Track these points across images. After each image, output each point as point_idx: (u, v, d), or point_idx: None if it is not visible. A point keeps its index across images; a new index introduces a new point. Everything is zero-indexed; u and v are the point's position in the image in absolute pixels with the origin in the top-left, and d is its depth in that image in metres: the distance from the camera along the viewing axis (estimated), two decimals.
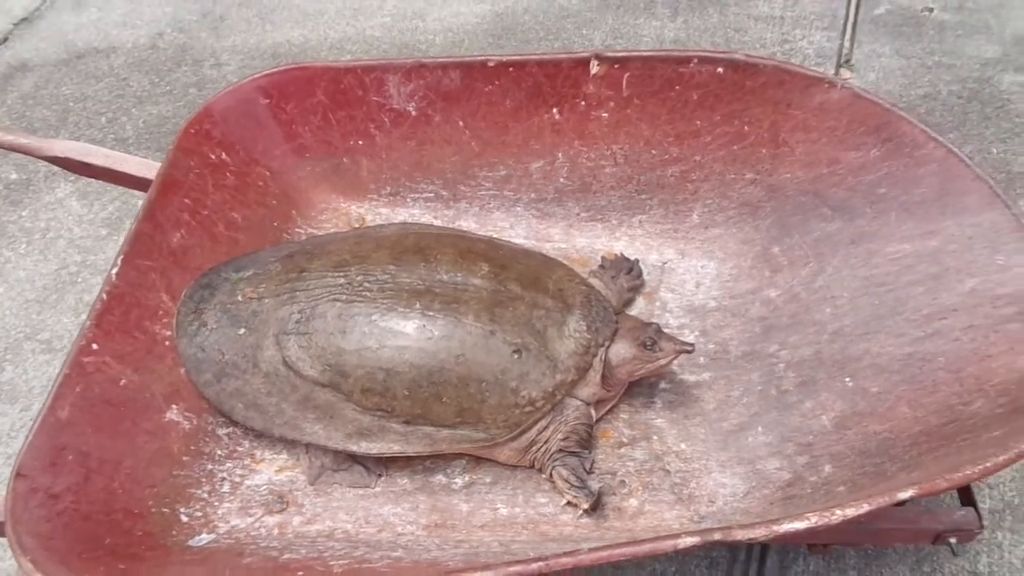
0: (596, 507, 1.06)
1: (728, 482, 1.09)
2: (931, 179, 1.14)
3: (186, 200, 1.23)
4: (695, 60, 1.25)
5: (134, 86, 2.53)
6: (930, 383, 1.02)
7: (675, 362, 1.21)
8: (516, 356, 1.06)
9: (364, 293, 1.09)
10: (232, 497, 1.08)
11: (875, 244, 1.17)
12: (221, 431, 1.12)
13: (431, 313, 1.07)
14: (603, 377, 1.12)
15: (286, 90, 1.34)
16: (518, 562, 0.80)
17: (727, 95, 1.25)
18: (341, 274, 1.11)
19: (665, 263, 1.33)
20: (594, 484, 1.05)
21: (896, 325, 1.10)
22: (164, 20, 2.74)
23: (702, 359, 1.22)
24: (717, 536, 0.80)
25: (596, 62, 1.28)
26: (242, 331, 1.11)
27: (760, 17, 2.43)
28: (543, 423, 1.09)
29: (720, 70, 1.24)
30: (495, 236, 1.35)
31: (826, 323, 1.16)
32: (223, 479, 1.09)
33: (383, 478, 1.11)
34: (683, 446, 1.13)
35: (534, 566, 0.80)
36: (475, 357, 1.05)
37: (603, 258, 1.29)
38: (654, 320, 1.27)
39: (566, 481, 1.06)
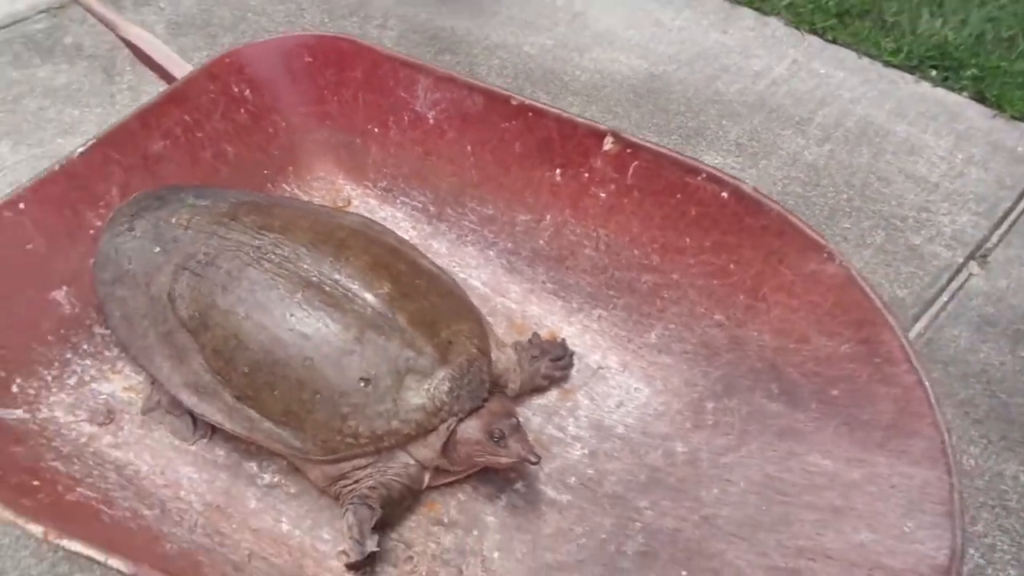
0: (359, 568, 0.98)
1: None
2: (888, 404, 0.97)
3: (187, 117, 1.28)
4: (704, 175, 1.13)
5: None
6: None
7: (541, 469, 1.11)
8: (362, 385, 1.01)
9: (263, 262, 1.07)
10: (72, 392, 1.10)
11: (800, 447, 1.01)
12: (97, 329, 1.15)
13: (306, 307, 1.03)
14: (445, 447, 1.04)
15: (330, 56, 1.36)
16: None
17: (724, 224, 1.13)
18: (259, 236, 1.10)
19: (602, 368, 1.22)
20: (371, 544, 0.98)
21: (765, 542, 0.94)
22: None
23: (572, 480, 1.10)
24: None
25: (611, 139, 1.19)
26: (157, 250, 1.13)
27: (913, 175, 2.20)
28: (362, 462, 1.02)
29: (724, 195, 1.12)
30: (455, 266, 1.30)
31: (705, 504, 1.01)
32: (74, 372, 1.12)
33: (204, 440, 1.09)
34: (495, 555, 1.03)
35: None
36: (321, 367, 1.01)
37: (535, 335, 1.20)
38: (554, 420, 1.17)
39: (349, 528, 1.00)
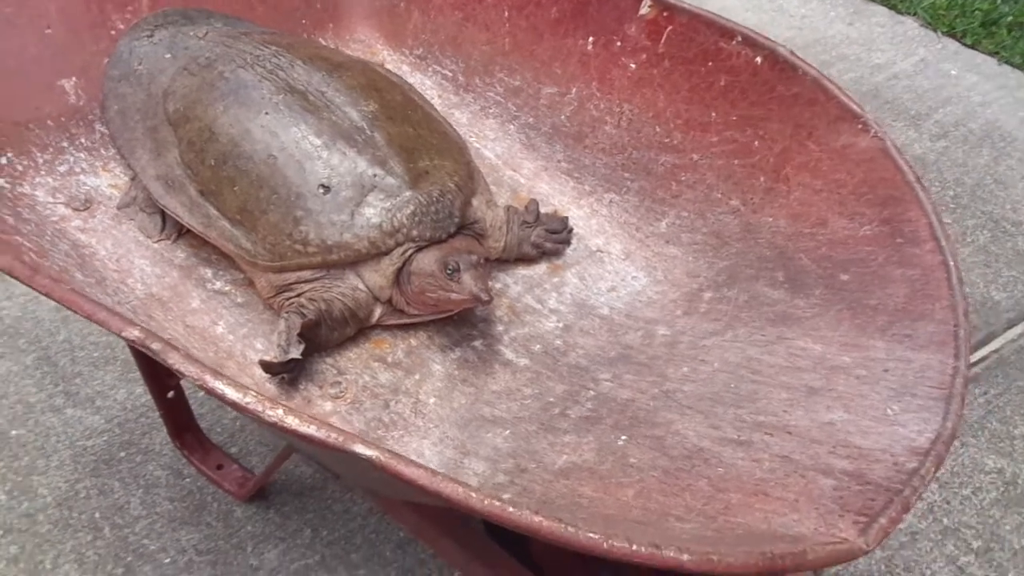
0: (274, 372, 0.91)
1: (427, 456, 0.87)
2: (901, 287, 0.81)
3: None
4: (739, 37, 1.01)
5: None
6: (681, 486, 0.72)
7: (506, 332, 1.00)
8: (320, 191, 0.94)
9: (256, 67, 1.04)
10: (59, 178, 1.09)
11: (791, 332, 0.86)
12: (99, 127, 1.14)
13: (283, 108, 0.98)
14: (398, 277, 0.95)
15: None
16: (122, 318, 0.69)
17: (753, 94, 1.00)
18: (262, 48, 1.07)
19: (601, 252, 1.10)
20: (294, 351, 0.90)
21: (722, 416, 0.79)
22: None
23: (536, 347, 0.99)
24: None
25: (649, 2, 1.09)
26: (168, 56, 1.12)
27: None
28: (307, 275, 0.95)
29: (758, 60, 0.99)
30: (472, 138, 1.23)
31: (668, 379, 0.88)
32: (66, 160, 1.11)
33: (168, 242, 1.06)
34: (431, 400, 0.93)
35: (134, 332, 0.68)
36: (283, 165, 0.95)
37: (533, 201, 1.10)
38: (535, 292, 1.06)
39: (278, 334, 0.93)
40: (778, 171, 0.97)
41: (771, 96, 0.98)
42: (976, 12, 2.52)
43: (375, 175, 0.95)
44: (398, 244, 0.94)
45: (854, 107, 0.91)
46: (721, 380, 0.84)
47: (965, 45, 2.44)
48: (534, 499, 0.75)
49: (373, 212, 0.94)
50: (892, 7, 2.59)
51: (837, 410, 0.74)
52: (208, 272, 1.03)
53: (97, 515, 1.35)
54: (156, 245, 1.05)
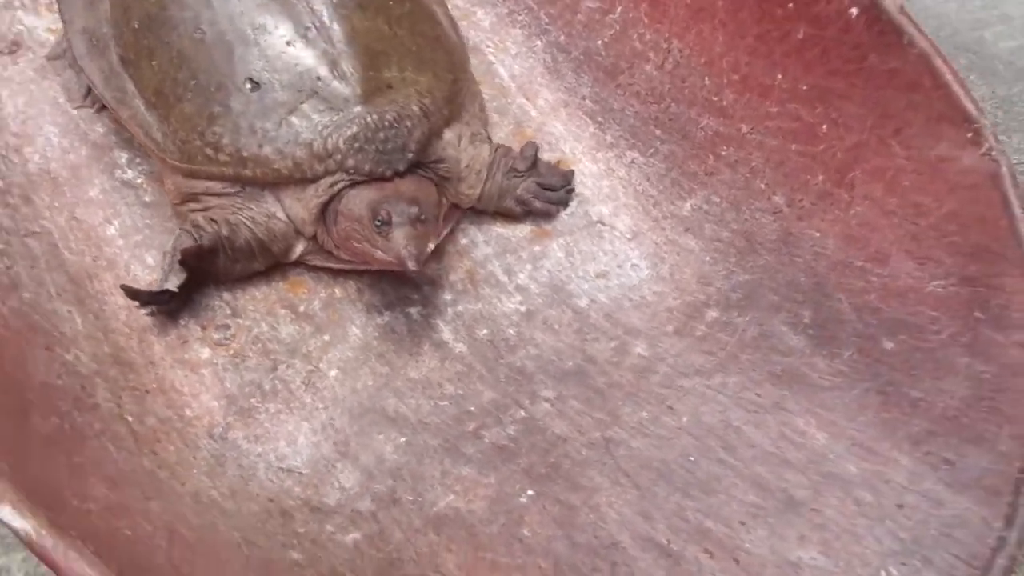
0: (143, 303, 0.74)
1: (299, 444, 0.70)
2: (961, 386, 0.57)
3: None
4: None
5: None
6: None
7: (452, 305, 0.80)
8: (247, 87, 0.74)
9: None
10: None
11: (795, 402, 0.63)
12: None
13: None
14: (324, 213, 0.76)
15: None
16: None
17: (837, 58, 0.73)
18: None
19: (603, 225, 0.87)
20: (173, 280, 0.73)
21: (661, 502, 0.58)
22: None
23: (483, 332, 0.78)
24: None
25: None
26: None
27: None
28: (216, 187, 0.77)
29: (853, 12, 0.71)
30: (489, 48, 0.99)
31: (619, 423, 0.66)
32: None
33: (91, 110, 0.88)
34: (332, 372, 0.74)
35: None
36: (211, 44, 0.76)
37: (530, 145, 0.87)
38: (506, 258, 0.85)
39: (164, 255, 0.75)
40: (843, 172, 0.71)
41: (859, 67, 0.71)
42: None
43: (319, 78, 0.74)
44: (328, 172, 0.74)
45: (967, 106, 0.63)
46: (681, 447, 0.62)
47: None
48: (382, 556, 0.56)
49: (305, 126, 0.74)
50: None
51: (812, 546, 0.52)
52: (123, 157, 0.86)
53: None
54: (75, 112, 0.88)
